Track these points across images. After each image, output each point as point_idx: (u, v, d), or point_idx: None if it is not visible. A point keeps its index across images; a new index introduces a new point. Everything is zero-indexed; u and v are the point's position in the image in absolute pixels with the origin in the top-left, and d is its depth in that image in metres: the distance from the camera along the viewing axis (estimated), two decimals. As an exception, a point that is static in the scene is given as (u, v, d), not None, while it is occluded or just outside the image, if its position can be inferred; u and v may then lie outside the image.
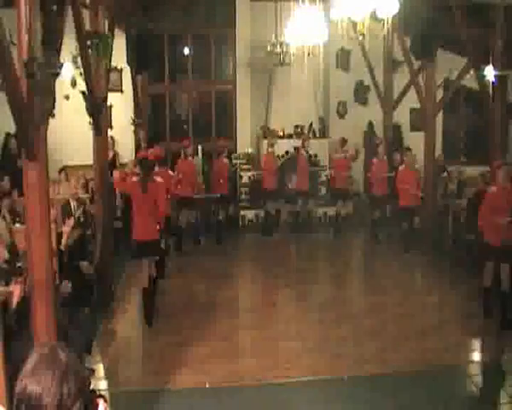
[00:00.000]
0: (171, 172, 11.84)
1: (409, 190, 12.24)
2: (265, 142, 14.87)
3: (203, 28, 16.17)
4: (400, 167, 12.77)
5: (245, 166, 15.37)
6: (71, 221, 9.04)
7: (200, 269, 11.70)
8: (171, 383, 7.00)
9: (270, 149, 14.38)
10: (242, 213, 14.96)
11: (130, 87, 14.22)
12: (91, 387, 2.21)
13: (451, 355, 7.87)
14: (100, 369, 7.47)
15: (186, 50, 16.61)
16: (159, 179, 9.04)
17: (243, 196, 15.19)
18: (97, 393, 2.35)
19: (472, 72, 11.70)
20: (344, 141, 14.20)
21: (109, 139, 11.94)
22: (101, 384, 7.02)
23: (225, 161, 14.02)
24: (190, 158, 13.11)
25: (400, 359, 7.67)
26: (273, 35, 14.12)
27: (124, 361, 7.76)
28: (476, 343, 8.61)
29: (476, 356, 8.33)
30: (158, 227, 8.96)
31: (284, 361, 7.62)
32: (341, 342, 8.23)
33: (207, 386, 6.91)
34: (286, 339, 8.38)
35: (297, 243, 13.98)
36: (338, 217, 14.30)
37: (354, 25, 8.76)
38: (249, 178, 15.27)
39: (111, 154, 13.02)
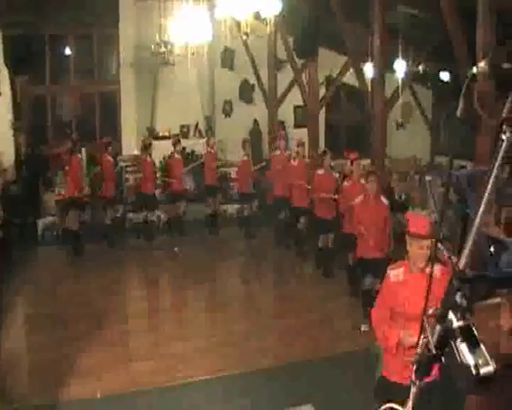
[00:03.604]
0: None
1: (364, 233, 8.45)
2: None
3: (86, 28, 15.75)
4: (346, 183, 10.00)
5: (130, 169, 14.96)
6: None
7: (91, 275, 11.36)
8: (63, 395, 6.71)
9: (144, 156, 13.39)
10: (129, 215, 14.27)
11: (9, 89, 13.63)
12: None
13: (344, 344, 8.12)
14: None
15: (68, 51, 16.12)
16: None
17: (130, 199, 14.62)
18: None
19: (352, 69, 12.07)
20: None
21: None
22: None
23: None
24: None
25: (298, 350, 7.87)
26: (157, 35, 13.98)
27: (11, 377, 7.37)
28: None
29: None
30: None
31: (183, 362, 7.56)
32: (241, 338, 8.29)
33: (99, 396, 6.71)
34: (185, 339, 8.30)
35: (198, 242, 13.70)
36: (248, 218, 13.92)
37: (238, 24, 8.87)
38: (135, 180, 14.67)
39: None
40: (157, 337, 8.39)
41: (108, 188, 12.91)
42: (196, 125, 15.94)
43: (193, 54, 11.42)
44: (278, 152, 12.92)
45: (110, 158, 12.94)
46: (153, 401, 6.64)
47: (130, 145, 15.67)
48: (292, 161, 12.12)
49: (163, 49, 13.86)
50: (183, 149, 15.05)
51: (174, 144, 13.45)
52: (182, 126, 15.79)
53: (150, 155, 13.26)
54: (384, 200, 8.48)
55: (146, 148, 13.29)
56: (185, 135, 15.76)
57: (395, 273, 4.56)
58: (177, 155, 13.46)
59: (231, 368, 7.34)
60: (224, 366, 7.41)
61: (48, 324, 8.91)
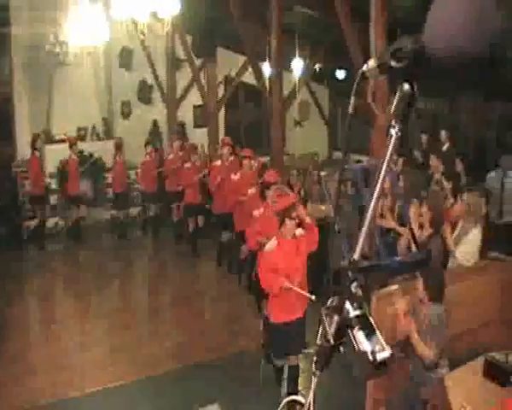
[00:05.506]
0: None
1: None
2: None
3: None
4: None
5: (26, 175, 14.23)
6: None
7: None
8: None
9: (36, 153, 13.02)
10: (27, 223, 13.57)
11: None
12: None
13: (244, 342, 8.18)
14: None
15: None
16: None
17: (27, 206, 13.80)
18: None
19: (250, 69, 12.20)
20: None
21: None
22: None
23: None
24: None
25: (199, 351, 7.90)
26: (52, 35, 13.56)
27: None
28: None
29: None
30: None
31: (83, 372, 7.39)
32: (140, 343, 8.23)
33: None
34: (83, 349, 8.10)
35: (77, 251, 13.16)
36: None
37: (135, 24, 8.76)
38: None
39: None
40: (55, 349, 8.11)
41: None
42: (93, 128, 15.58)
43: (89, 54, 11.18)
44: (219, 162, 11.05)
45: (75, 157, 13.19)
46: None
47: (25, 149, 15.07)
48: (232, 174, 10.10)
49: (58, 50, 13.48)
50: (81, 152, 14.70)
51: (71, 145, 13.14)
52: (79, 129, 15.36)
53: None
54: (300, 232, 6.26)
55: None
56: (83, 138, 15.35)
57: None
58: (73, 156, 13.19)
59: (132, 375, 7.27)
60: (124, 373, 7.32)
61: None
